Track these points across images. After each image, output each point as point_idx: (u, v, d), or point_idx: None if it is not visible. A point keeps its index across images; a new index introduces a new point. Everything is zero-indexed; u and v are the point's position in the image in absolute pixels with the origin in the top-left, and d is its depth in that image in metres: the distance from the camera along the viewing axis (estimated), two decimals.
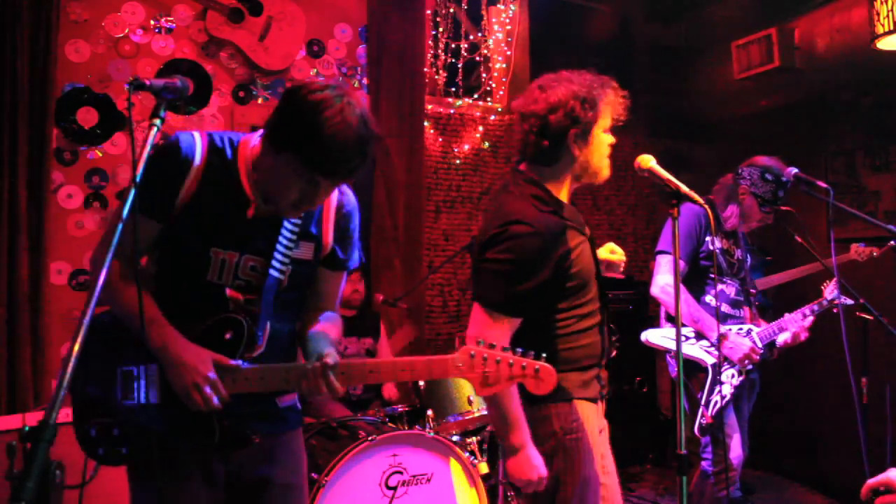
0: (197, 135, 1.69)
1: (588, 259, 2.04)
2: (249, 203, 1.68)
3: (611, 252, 2.22)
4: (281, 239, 1.70)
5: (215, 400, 1.59)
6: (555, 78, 2.03)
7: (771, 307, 3.81)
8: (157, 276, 1.74)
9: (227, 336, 1.65)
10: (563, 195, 2.05)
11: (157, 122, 1.52)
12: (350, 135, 1.51)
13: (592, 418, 2.02)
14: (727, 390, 2.93)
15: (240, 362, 1.65)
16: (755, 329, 3.05)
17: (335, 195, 1.79)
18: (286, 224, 1.71)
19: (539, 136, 1.97)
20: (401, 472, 2.86)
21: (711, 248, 3.04)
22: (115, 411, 1.67)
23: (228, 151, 1.69)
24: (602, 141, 2.03)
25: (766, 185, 3.11)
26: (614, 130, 2.08)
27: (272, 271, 1.70)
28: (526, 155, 2.04)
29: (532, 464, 1.90)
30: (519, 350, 1.62)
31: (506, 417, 1.90)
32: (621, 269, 2.25)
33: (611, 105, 2.03)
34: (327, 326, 1.81)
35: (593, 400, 2.05)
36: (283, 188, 1.59)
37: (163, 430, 1.66)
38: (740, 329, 3.02)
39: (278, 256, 1.70)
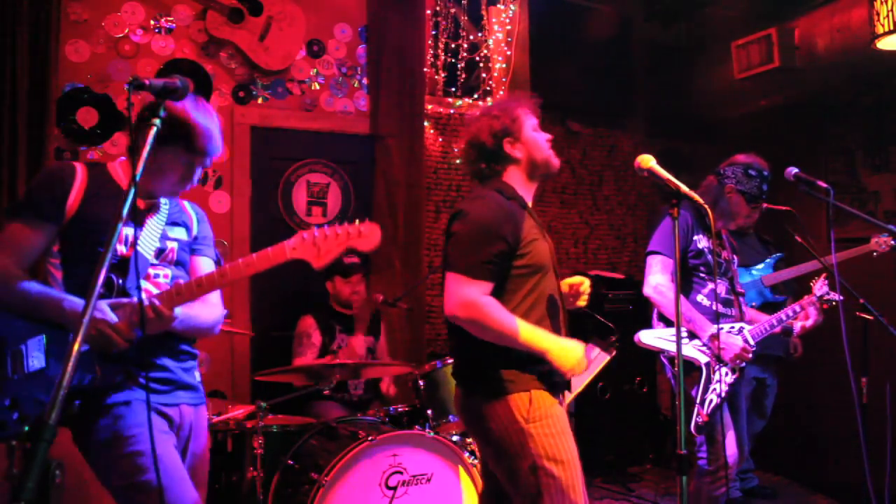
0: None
1: (544, 255, 2.17)
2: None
3: (569, 286, 2.32)
4: (153, 221, 2.06)
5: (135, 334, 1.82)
6: (472, 116, 2.37)
7: (783, 301, 3.82)
8: (67, 276, 1.96)
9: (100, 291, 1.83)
10: (525, 196, 2.25)
11: (157, 121, 1.53)
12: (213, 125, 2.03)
13: (555, 407, 2.10)
14: (722, 388, 2.94)
15: (132, 298, 1.88)
16: (747, 327, 3.05)
17: (187, 204, 2.24)
18: (156, 212, 2.09)
19: (479, 160, 2.27)
20: (401, 473, 2.86)
21: (700, 246, 3.04)
22: (5, 386, 1.82)
23: (98, 166, 2.11)
24: (535, 138, 2.26)
25: (751, 181, 3.15)
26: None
27: (140, 242, 2.01)
28: (482, 179, 2.29)
29: (567, 348, 2.01)
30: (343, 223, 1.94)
31: (520, 341, 2.00)
32: (583, 298, 2.35)
33: (528, 110, 2.29)
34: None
35: (552, 391, 2.12)
36: (167, 174, 2.01)
37: (45, 390, 1.81)
38: (732, 328, 3.03)
39: (150, 232, 2.04)
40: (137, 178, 1.45)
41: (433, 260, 4.68)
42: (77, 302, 1.85)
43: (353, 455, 2.75)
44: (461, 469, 2.98)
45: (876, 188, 4.41)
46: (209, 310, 2.12)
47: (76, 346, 1.17)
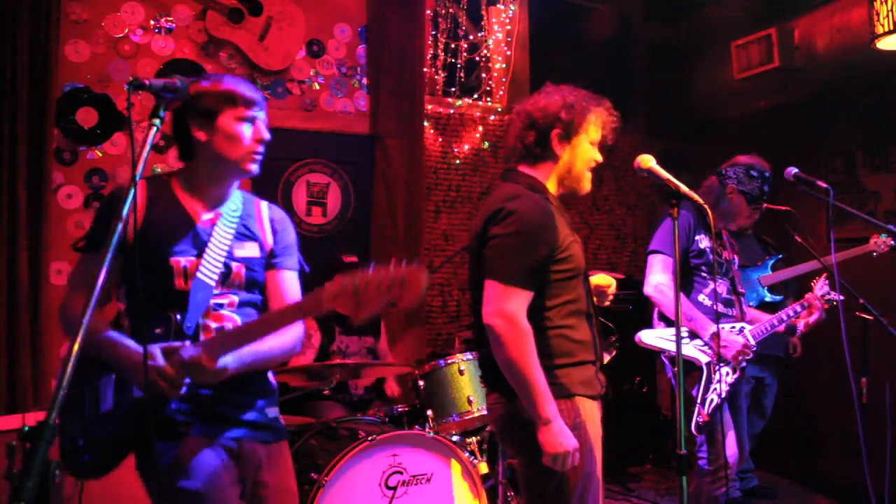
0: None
1: (579, 253, 2.08)
2: (188, 214, 1.88)
3: (595, 286, 2.24)
4: (217, 237, 1.87)
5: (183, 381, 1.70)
6: (554, 87, 2.16)
7: (780, 301, 3.82)
8: (128, 313, 1.88)
9: (157, 331, 1.77)
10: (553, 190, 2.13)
11: (157, 122, 1.53)
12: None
13: (594, 414, 2.06)
14: (723, 388, 2.94)
15: (186, 343, 1.74)
16: (748, 327, 3.06)
17: (265, 208, 2.02)
18: (221, 227, 1.89)
19: (526, 131, 2.11)
20: (401, 473, 2.86)
21: (701, 246, 3.05)
22: (81, 425, 1.80)
23: (161, 180, 1.94)
24: (586, 150, 2.12)
25: (753, 182, 3.17)
26: (604, 149, 2.17)
27: (201, 268, 1.83)
28: (516, 153, 2.15)
29: (565, 433, 1.90)
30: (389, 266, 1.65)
31: (530, 390, 1.91)
32: (609, 298, 2.29)
33: (600, 122, 2.12)
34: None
35: (594, 398, 2.08)
36: (237, 141, 1.84)
37: (113, 433, 1.77)
38: (733, 327, 3.03)
39: (213, 253, 1.85)
40: (137, 178, 1.44)
41: (433, 260, 4.68)
42: (131, 346, 1.73)
43: (353, 455, 2.75)
44: (461, 469, 2.98)
45: (876, 188, 4.40)
46: (283, 336, 1.87)
47: (75, 348, 1.17)
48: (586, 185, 2.17)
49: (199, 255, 1.83)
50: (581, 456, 1.97)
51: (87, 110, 3.72)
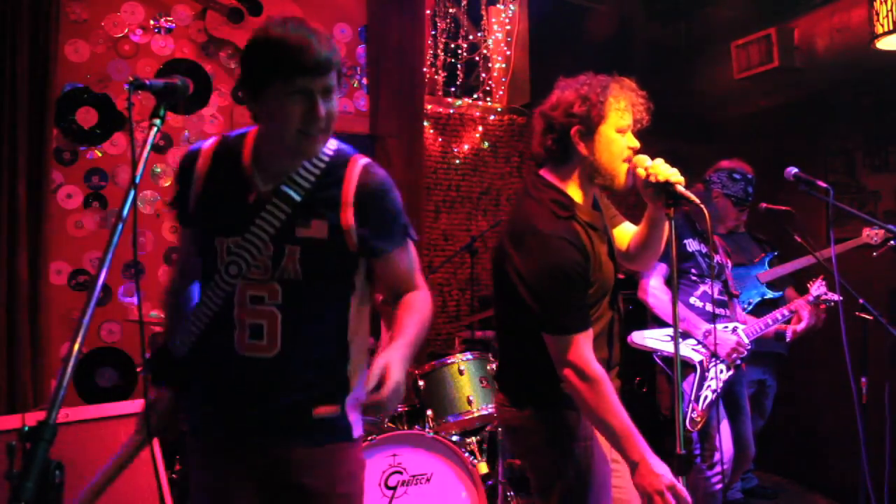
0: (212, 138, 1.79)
1: (609, 274, 1.99)
2: (250, 184, 1.66)
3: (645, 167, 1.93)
4: (270, 215, 1.60)
5: None
6: (571, 80, 2.01)
7: (780, 297, 3.81)
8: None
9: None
10: (580, 197, 1.99)
11: (157, 121, 1.51)
12: (298, 27, 1.52)
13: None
14: (717, 385, 2.98)
15: None
16: (741, 326, 3.09)
17: (357, 173, 1.63)
18: (281, 200, 1.61)
19: (546, 134, 1.97)
20: (400, 472, 2.86)
21: (689, 250, 3.10)
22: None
23: (234, 137, 1.78)
24: (612, 140, 1.93)
25: (736, 185, 3.26)
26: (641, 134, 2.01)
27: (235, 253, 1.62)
28: (540, 159, 2.01)
29: (655, 473, 1.80)
30: None
31: (614, 435, 1.85)
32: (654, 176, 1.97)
33: (623, 105, 1.95)
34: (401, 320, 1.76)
35: None
36: (284, 119, 1.56)
37: None
38: (725, 327, 3.07)
39: (255, 236, 1.59)
40: (137, 179, 1.43)
41: (433, 260, 4.68)
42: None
43: None
44: (461, 469, 2.98)
45: (876, 188, 4.40)
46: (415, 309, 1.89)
47: (76, 347, 1.17)
48: (621, 179, 1.95)
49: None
50: (590, 468, 1.93)
51: (86, 110, 3.73)
